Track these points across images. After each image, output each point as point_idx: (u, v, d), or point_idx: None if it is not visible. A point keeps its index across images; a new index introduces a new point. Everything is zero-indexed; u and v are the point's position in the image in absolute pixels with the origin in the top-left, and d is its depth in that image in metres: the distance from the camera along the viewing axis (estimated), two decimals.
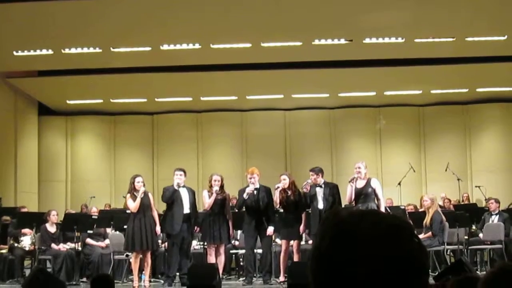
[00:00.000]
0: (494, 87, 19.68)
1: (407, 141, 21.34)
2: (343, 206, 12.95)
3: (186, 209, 12.77)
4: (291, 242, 12.96)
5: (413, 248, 1.45)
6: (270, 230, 12.79)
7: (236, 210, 13.61)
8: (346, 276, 1.40)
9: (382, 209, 12.36)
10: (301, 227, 12.91)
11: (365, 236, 1.42)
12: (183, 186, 12.88)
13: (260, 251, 13.25)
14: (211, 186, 12.86)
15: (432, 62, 17.18)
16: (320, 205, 12.63)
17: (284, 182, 12.88)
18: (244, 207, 13.04)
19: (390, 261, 1.41)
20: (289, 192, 12.84)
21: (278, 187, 12.84)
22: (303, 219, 12.93)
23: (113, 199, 20.63)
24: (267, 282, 12.68)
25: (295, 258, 12.79)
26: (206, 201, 12.85)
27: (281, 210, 13.16)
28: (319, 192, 12.72)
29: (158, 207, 14.76)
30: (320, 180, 12.82)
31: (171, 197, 12.74)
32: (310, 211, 13.05)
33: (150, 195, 12.88)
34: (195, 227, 13.17)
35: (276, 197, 12.81)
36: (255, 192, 12.78)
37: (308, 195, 12.79)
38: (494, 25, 14.74)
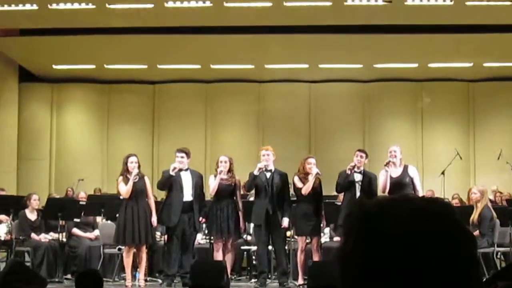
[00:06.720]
0: None
1: (453, 122, 21.27)
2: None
3: (188, 197, 12.70)
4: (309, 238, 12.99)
5: (455, 236, 1.40)
6: (285, 222, 12.74)
7: (246, 192, 13.56)
8: (377, 277, 1.38)
9: None
10: (323, 221, 13.06)
11: (393, 231, 1.39)
12: (187, 169, 12.84)
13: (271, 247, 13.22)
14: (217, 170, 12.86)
15: (485, 29, 17.06)
16: (358, 194, 12.69)
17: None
18: (254, 191, 13.00)
19: (427, 259, 1.37)
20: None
21: (317, 173, 12.78)
22: (323, 211, 12.98)
23: (105, 183, 20.72)
24: (283, 285, 12.61)
25: (315, 257, 12.70)
26: (211, 186, 12.85)
27: (296, 199, 13.10)
28: (358, 179, 12.78)
29: (157, 194, 14.78)
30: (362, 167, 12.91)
31: (165, 184, 12.71)
32: (340, 203, 13.14)
33: (146, 179, 12.84)
34: (201, 218, 13.11)
35: (311, 183, 12.70)
36: (267, 175, 12.73)
37: (346, 180, 12.77)
38: None
